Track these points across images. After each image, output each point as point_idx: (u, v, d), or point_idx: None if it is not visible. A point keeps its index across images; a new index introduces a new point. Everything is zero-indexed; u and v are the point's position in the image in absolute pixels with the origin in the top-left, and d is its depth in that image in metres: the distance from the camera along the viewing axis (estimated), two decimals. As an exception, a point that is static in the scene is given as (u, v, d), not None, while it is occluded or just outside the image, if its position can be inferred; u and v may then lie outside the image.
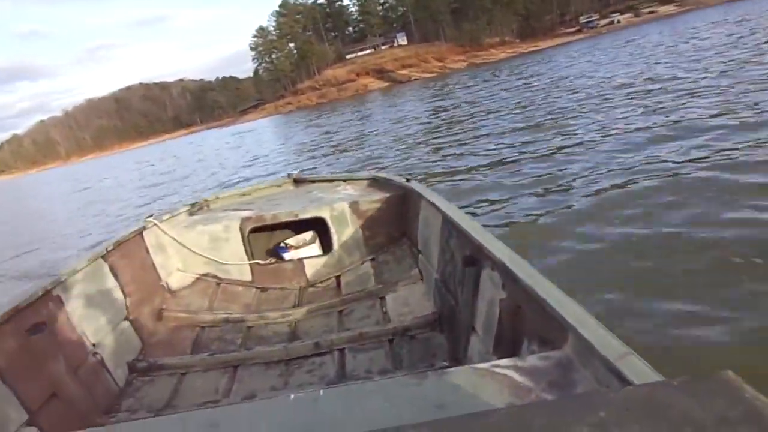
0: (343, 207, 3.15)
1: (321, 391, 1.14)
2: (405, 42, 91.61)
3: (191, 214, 3.51)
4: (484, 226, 1.97)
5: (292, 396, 1.12)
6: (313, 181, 4.02)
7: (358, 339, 2.32)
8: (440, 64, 79.08)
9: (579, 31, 79.97)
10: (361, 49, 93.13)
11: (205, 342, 2.59)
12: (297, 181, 4.07)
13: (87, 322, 2.22)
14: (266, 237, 3.40)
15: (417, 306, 2.49)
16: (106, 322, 2.33)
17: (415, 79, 70.48)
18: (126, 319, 2.49)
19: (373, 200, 3.16)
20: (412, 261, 2.87)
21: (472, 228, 1.88)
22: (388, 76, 79.55)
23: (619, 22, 76.67)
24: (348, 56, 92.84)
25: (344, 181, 3.80)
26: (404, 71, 78.48)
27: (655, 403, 0.67)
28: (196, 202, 3.69)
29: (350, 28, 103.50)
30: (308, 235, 3.32)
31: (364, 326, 2.46)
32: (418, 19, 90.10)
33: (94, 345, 2.19)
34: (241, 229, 3.18)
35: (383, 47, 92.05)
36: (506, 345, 1.50)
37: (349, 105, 45.18)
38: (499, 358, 1.33)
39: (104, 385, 2.14)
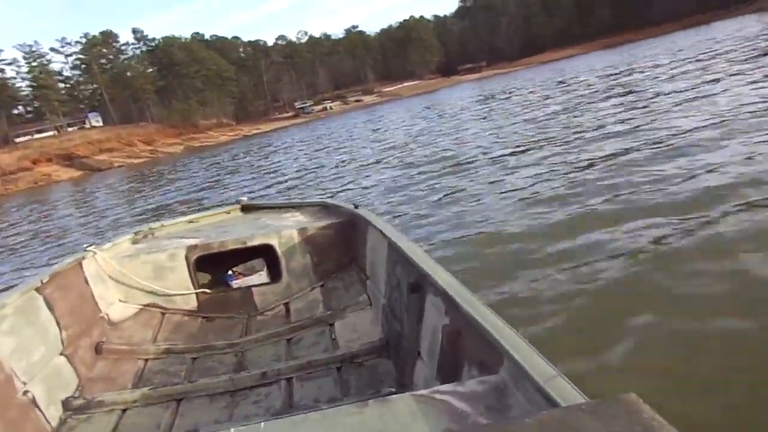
0: (291, 234, 3.11)
1: (262, 424, 1.12)
2: (100, 123, 77.16)
3: (135, 242, 3.37)
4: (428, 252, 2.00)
5: (232, 430, 1.10)
6: (262, 208, 3.97)
7: (306, 367, 2.28)
8: (150, 147, 68.32)
9: (296, 116, 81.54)
10: (39, 131, 74.11)
11: (148, 375, 2.48)
12: (245, 208, 3.97)
13: (17, 358, 2.05)
14: (213, 265, 3.18)
15: (365, 332, 2.47)
16: (38, 358, 2.17)
17: (120, 166, 58.20)
18: (61, 354, 2.32)
19: (321, 227, 3.13)
20: (360, 287, 2.84)
21: (417, 255, 1.91)
22: (81, 162, 63.59)
23: (331, 108, 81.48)
24: (18, 139, 72.50)
25: (293, 207, 3.78)
26: (103, 156, 64.42)
27: (566, 427, 0.73)
28: (140, 231, 3.53)
29: (20, 107, 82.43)
30: (256, 262, 3.22)
31: (313, 354, 2.43)
32: (115, 99, 77.58)
33: (24, 383, 2.04)
34: (187, 258, 3.06)
35: (70, 129, 75.41)
36: (448, 370, 1.51)
37: (17, 200, 33.84)
38: (442, 383, 1.43)
39: (36, 426, 1.98)
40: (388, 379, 2.10)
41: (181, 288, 3.07)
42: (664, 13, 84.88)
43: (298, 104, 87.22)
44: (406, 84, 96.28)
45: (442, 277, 1.64)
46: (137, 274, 2.97)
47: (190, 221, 3.82)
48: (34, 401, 2.04)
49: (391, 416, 1.10)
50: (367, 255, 2.78)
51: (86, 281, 2.77)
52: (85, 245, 2.99)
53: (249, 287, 3.17)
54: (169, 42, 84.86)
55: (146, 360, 2.61)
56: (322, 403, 2.05)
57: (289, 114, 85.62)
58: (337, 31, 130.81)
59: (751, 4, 66.20)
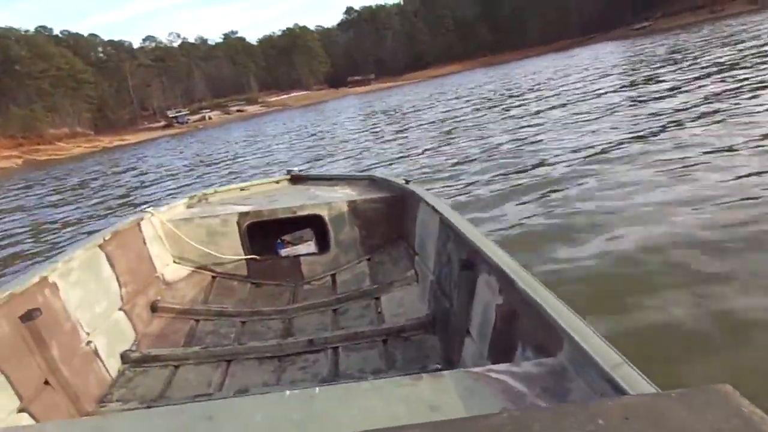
0: (341, 206, 3.12)
1: (317, 388, 1.14)
2: None
3: (189, 206, 3.43)
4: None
5: (288, 392, 1.12)
6: (312, 179, 3.96)
7: (352, 338, 2.29)
8: (-23, 161, 56.37)
9: (169, 126, 73.37)
10: None
11: (199, 335, 2.54)
12: (295, 179, 3.97)
13: (82, 310, 2.15)
14: (263, 233, 3.20)
15: (412, 307, 2.48)
16: (100, 312, 2.27)
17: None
18: (121, 309, 2.42)
19: (371, 200, 3.14)
20: (408, 262, 2.82)
21: (470, 232, 1.89)
22: None
23: (210, 118, 74.49)
24: None
25: (343, 180, 3.75)
26: None
27: (653, 414, 0.68)
28: (195, 195, 3.60)
29: None
30: (305, 232, 3.25)
31: (359, 326, 2.44)
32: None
33: (88, 334, 2.12)
34: (239, 224, 3.11)
35: None
36: (501, 350, 1.49)
37: None
38: (493, 363, 1.39)
39: (97, 375, 2.09)
40: (433, 355, 2.08)
41: (232, 253, 3.08)
42: (536, 38, 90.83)
43: (171, 113, 78.78)
44: (293, 94, 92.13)
45: (497, 254, 1.59)
46: (191, 237, 3.00)
47: (242, 189, 3.81)
48: (96, 352, 2.11)
49: (445, 390, 1.08)
50: (417, 230, 2.72)
51: (144, 241, 2.81)
52: (143, 206, 3.15)
53: (297, 256, 3.18)
54: (5, 34, 71.85)
55: (197, 320, 2.64)
56: (367, 373, 2.05)
57: (161, 124, 77.01)
58: (214, 36, 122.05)
59: (605, 33, 73.26)
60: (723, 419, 0.66)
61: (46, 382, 1.83)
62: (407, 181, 3.06)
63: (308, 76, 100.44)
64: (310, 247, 3.22)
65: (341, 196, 3.27)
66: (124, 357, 2.25)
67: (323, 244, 3.20)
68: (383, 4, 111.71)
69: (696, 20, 56.19)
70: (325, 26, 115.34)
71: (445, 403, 1.04)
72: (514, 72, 35.38)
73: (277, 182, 3.97)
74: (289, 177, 4.00)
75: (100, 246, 2.43)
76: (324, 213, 3.12)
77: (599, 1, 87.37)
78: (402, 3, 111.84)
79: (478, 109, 15.41)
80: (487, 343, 1.59)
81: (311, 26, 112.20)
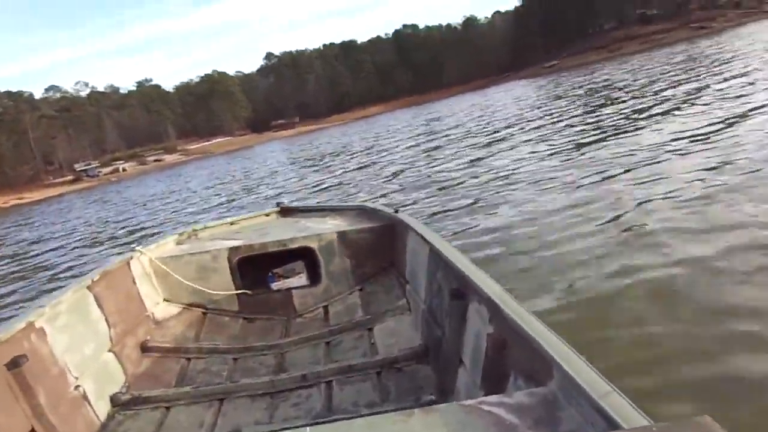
0: (331, 237, 3.10)
1: (308, 429, 1.10)
2: None
3: (179, 243, 3.41)
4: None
5: None
6: (301, 211, 3.98)
7: (345, 371, 2.27)
8: None
9: (78, 180, 67.91)
10: None
11: (191, 374, 2.51)
12: (285, 211, 4.00)
13: (70, 354, 2.11)
14: (254, 267, 3.17)
15: (405, 337, 2.46)
16: (89, 354, 2.23)
17: None
18: (110, 350, 2.38)
19: (361, 230, 3.12)
20: (399, 291, 2.83)
21: (459, 261, 1.89)
22: None
23: (125, 170, 69.73)
24: None
25: (332, 210, 3.79)
26: None
27: None
28: (185, 231, 3.58)
29: None
30: (296, 265, 3.24)
31: (352, 358, 2.43)
32: None
33: (76, 378, 2.09)
34: (229, 259, 3.09)
35: None
36: (493, 379, 1.48)
37: None
38: (486, 393, 1.43)
39: (86, 420, 2.03)
40: (428, 386, 2.06)
41: (223, 288, 3.06)
42: (454, 78, 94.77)
43: (79, 166, 73.13)
44: (214, 141, 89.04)
45: (486, 283, 1.60)
46: (181, 274, 2.96)
47: (232, 223, 3.81)
48: (84, 396, 2.07)
49: (437, 426, 1.06)
50: (407, 260, 2.73)
51: (133, 280, 2.79)
52: (133, 246, 3.07)
53: (289, 289, 3.17)
54: None
55: (189, 359, 2.61)
56: (361, 407, 2.02)
57: (69, 178, 71.19)
58: (127, 85, 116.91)
59: (518, 72, 77.88)
60: None
61: (33, 431, 1.78)
62: (396, 210, 3.08)
63: (230, 121, 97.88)
64: (301, 279, 3.20)
65: (331, 227, 3.25)
66: (113, 400, 2.20)
67: (314, 276, 3.17)
68: (303, 49, 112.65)
69: (597, 58, 60.91)
70: (245, 72, 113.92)
71: None
72: (436, 111, 36.36)
73: (267, 215, 3.96)
74: (278, 209, 3.99)
75: (88, 287, 2.40)
76: (314, 245, 3.10)
77: (512, 42, 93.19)
78: (322, 48, 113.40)
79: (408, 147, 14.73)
80: (480, 373, 1.58)
81: (230, 72, 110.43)
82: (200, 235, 3.59)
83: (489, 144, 11.71)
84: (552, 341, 1.19)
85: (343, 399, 2.12)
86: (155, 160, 75.38)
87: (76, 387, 2.06)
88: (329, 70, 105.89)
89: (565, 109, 15.28)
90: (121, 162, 73.92)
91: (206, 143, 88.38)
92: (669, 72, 19.25)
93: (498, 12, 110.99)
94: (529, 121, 14.51)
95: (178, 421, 2.10)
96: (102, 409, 2.12)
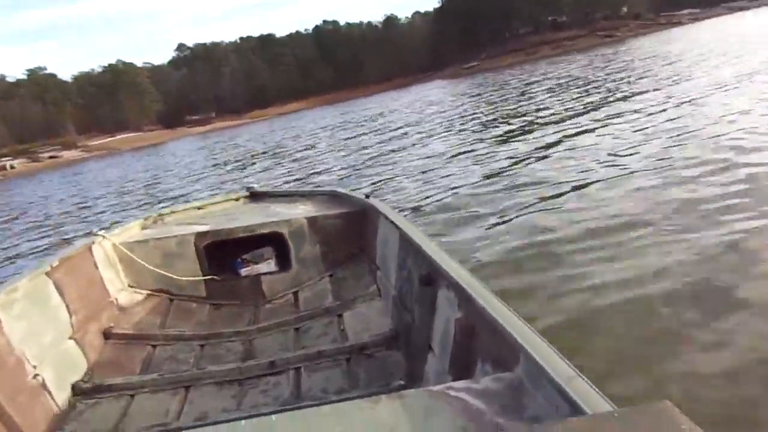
0: (301, 222, 3.07)
1: (274, 417, 1.11)
2: None
3: (144, 228, 3.33)
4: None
5: (243, 422, 1.09)
6: (271, 196, 3.92)
7: (314, 357, 2.25)
8: None
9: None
10: None
11: (156, 361, 2.45)
12: (254, 196, 3.92)
13: (27, 342, 2.05)
14: (222, 252, 3.12)
15: (374, 323, 2.43)
16: (48, 343, 2.16)
17: None
18: (71, 338, 2.30)
19: (331, 216, 3.09)
20: (370, 278, 2.81)
21: (429, 247, 1.88)
22: None
23: (13, 167, 62.06)
24: None
25: (303, 195, 3.74)
26: None
27: None
28: (150, 216, 3.50)
29: None
30: (265, 250, 3.17)
31: (321, 344, 2.40)
32: None
33: (34, 367, 2.03)
34: (196, 244, 3.02)
35: None
36: (461, 365, 1.49)
37: None
38: (454, 378, 1.44)
39: (46, 410, 1.98)
40: (397, 372, 2.05)
41: (190, 274, 3.00)
42: (376, 76, 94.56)
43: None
44: (121, 136, 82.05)
45: (455, 270, 1.60)
46: (146, 260, 2.89)
47: (199, 207, 3.74)
48: (44, 385, 2.02)
49: (404, 412, 1.07)
50: (378, 246, 2.71)
51: (95, 266, 2.71)
52: (94, 230, 2.98)
53: (258, 275, 3.11)
54: None
55: (155, 346, 2.55)
56: (330, 394, 2.01)
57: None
58: (15, 73, 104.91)
59: (439, 72, 79.20)
60: None
61: None
62: (368, 196, 3.03)
63: (138, 116, 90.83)
64: (270, 265, 3.13)
65: (301, 212, 3.19)
66: (75, 388, 2.14)
67: (284, 262, 3.13)
68: (218, 41, 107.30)
69: (514, 61, 63.18)
70: (155, 63, 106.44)
71: (404, 425, 1.03)
72: (360, 109, 36.08)
73: (236, 199, 3.87)
74: (247, 194, 3.89)
75: (47, 274, 2.32)
76: (284, 230, 3.06)
77: (432, 43, 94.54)
78: (238, 41, 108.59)
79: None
80: (448, 358, 1.59)
81: (138, 63, 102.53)
82: (166, 219, 3.48)
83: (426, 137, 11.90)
84: (519, 327, 1.20)
85: (311, 386, 2.09)
86: (50, 157, 67.82)
87: (35, 376, 1.99)
88: (246, 63, 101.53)
89: (488, 108, 16.12)
90: (8, 159, 65.82)
91: (111, 139, 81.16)
92: (584, 75, 20.69)
93: (418, 12, 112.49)
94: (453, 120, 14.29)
95: (143, 408, 2.04)
96: (63, 398, 2.06)
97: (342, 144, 15.87)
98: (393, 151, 11.81)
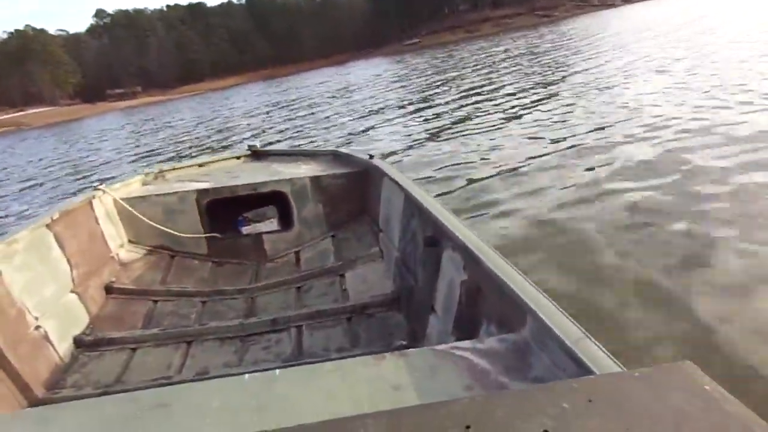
0: (304, 182, 3.06)
1: (277, 370, 1.10)
2: None
3: (145, 183, 3.30)
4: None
5: (247, 376, 1.09)
6: (273, 155, 3.87)
7: (315, 316, 2.27)
8: None
9: None
10: None
11: (158, 317, 2.44)
12: (257, 154, 3.84)
13: (28, 294, 2.06)
14: (224, 210, 3.08)
15: (376, 284, 2.45)
16: (50, 295, 2.17)
17: None
18: (72, 291, 2.32)
19: (334, 176, 3.07)
20: (372, 239, 2.78)
21: (435, 208, 1.87)
22: None
23: None
24: None
25: (306, 155, 3.71)
26: None
27: (617, 396, 0.69)
28: (150, 172, 3.44)
29: None
30: (268, 209, 3.16)
31: (323, 303, 2.42)
32: None
33: (36, 318, 2.04)
34: (198, 201, 3.01)
35: None
36: (465, 326, 1.49)
37: None
38: (457, 339, 1.41)
39: (48, 361, 2.00)
40: (398, 332, 2.04)
41: (191, 231, 2.98)
42: (313, 51, 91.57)
43: None
44: (32, 111, 74.74)
45: (461, 231, 1.59)
46: (147, 216, 2.88)
47: (201, 165, 3.70)
48: (46, 336, 2.04)
49: (408, 369, 1.07)
50: (381, 206, 2.69)
51: (96, 220, 2.71)
52: (95, 184, 2.96)
53: (260, 234, 3.09)
54: None
55: (156, 301, 2.56)
56: (331, 352, 2.02)
57: None
58: None
59: (379, 48, 77.85)
60: (686, 399, 0.66)
61: None
62: (371, 156, 2.98)
63: (52, 88, 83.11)
64: (272, 224, 3.13)
65: (304, 171, 3.18)
66: (77, 341, 2.14)
67: (286, 221, 3.12)
68: (141, 8, 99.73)
69: (455, 38, 62.92)
70: (71, 31, 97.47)
71: (408, 382, 1.02)
72: (299, 85, 34.49)
73: (238, 158, 3.82)
74: (250, 152, 3.85)
75: (47, 226, 2.31)
76: (286, 189, 3.04)
77: (369, 17, 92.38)
78: (165, 9, 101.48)
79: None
80: (452, 320, 1.59)
81: (51, 30, 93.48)
82: (167, 176, 3.45)
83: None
84: (525, 288, 1.19)
85: (313, 343, 2.10)
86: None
87: (37, 327, 2.00)
88: (175, 34, 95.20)
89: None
90: None
91: (20, 114, 73.79)
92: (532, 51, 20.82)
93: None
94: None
95: (145, 362, 2.06)
96: (65, 350, 2.07)
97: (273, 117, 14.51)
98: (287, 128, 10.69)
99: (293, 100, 22.37)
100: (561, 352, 0.98)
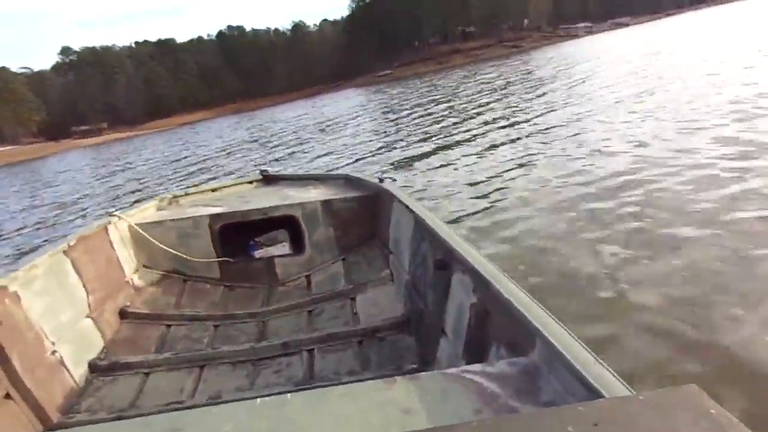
0: (315, 206, 3.09)
1: (288, 394, 1.11)
2: None
3: (159, 209, 3.37)
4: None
5: (258, 400, 1.09)
6: (285, 179, 3.94)
7: (327, 339, 2.28)
8: None
9: None
10: None
11: (171, 341, 2.47)
12: (268, 179, 3.93)
13: (46, 319, 2.08)
14: (236, 235, 3.15)
15: (387, 307, 2.46)
16: (66, 320, 2.20)
17: None
18: (88, 316, 2.36)
19: (345, 199, 3.11)
20: (383, 262, 2.81)
21: (444, 231, 1.89)
22: None
23: None
24: None
25: (316, 179, 3.75)
26: None
27: (623, 420, 0.69)
28: (164, 197, 3.52)
29: None
30: (279, 233, 3.23)
31: (334, 327, 2.43)
32: None
33: (53, 343, 2.07)
34: (211, 226, 3.05)
35: None
36: (475, 349, 1.49)
37: None
38: (467, 363, 1.44)
39: (63, 385, 2.02)
40: (409, 356, 2.05)
41: (204, 256, 3.02)
42: (285, 84, 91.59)
43: None
44: (-9, 151, 71.74)
45: (471, 254, 1.61)
46: (161, 241, 2.92)
47: (213, 190, 3.77)
48: (62, 361, 2.05)
49: (419, 393, 1.07)
50: (391, 230, 2.71)
51: (112, 246, 2.75)
52: (110, 210, 3.05)
53: (271, 258, 3.13)
54: None
55: (169, 326, 2.57)
56: (342, 375, 2.02)
57: None
58: None
59: (351, 80, 78.32)
60: (691, 423, 0.66)
61: (7, 396, 1.77)
62: (381, 180, 3.01)
63: (14, 126, 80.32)
64: (284, 248, 3.16)
65: (315, 195, 3.21)
66: (92, 366, 2.17)
67: (298, 245, 3.14)
68: (109, 45, 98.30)
69: (427, 70, 63.71)
70: (35, 69, 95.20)
71: (418, 407, 1.02)
72: (270, 119, 34.20)
73: (250, 182, 3.90)
74: (261, 177, 3.91)
75: (64, 252, 2.35)
76: (298, 213, 3.06)
77: (341, 50, 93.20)
78: (134, 46, 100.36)
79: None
80: (462, 343, 1.58)
81: (13, 68, 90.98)
82: (181, 201, 3.50)
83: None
84: (535, 311, 1.19)
85: (324, 367, 2.10)
86: None
87: (53, 352, 2.02)
88: (143, 69, 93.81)
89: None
90: None
91: (-21, 154, 70.74)
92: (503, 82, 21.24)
93: (326, 20, 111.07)
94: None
95: (158, 386, 2.07)
96: (80, 374, 2.09)
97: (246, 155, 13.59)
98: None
99: (270, 136, 21.49)
100: (570, 376, 0.98)
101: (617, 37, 44.88)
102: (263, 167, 4.17)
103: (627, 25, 72.97)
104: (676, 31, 34.27)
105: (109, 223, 2.79)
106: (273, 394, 1.13)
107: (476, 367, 1.16)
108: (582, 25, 75.97)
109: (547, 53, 43.21)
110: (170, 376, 2.13)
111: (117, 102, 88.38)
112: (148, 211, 3.22)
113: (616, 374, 0.93)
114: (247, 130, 28.27)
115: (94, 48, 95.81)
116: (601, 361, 0.97)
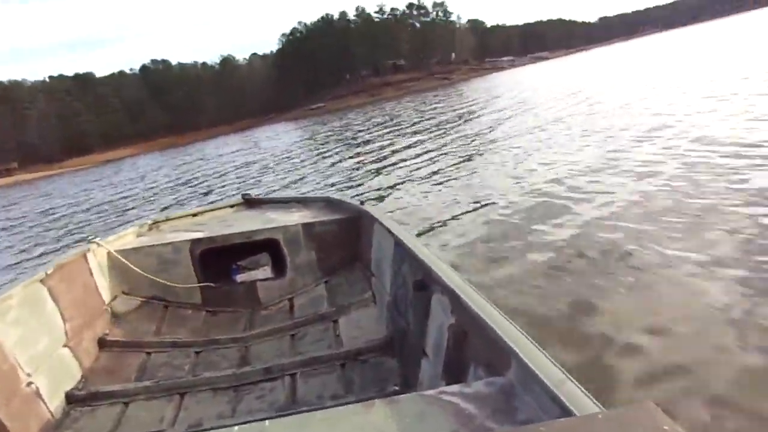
0: (296, 229, 3.09)
1: (267, 422, 1.10)
2: None
3: (139, 235, 3.35)
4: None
5: (237, 428, 1.07)
6: (266, 203, 3.97)
7: (309, 363, 2.27)
8: None
9: None
10: None
11: (151, 369, 2.44)
12: (250, 203, 3.97)
13: (21, 349, 2.04)
14: (218, 259, 3.11)
15: (370, 329, 2.46)
16: (42, 350, 2.15)
17: None
18: (65, 345, 2.30)
19: (326, 222, 3.12)
20: (365, 284, 2.82)
21: (423, 253, 1.93)
22: None
23: None
24: None
25: (298, 202, 3.79)
26: None
27: None
28: (145, 223, 3.52)
29: None
30: (261, 257, 3.20)
31: (317, 350, 2.42)
32: None
33: (28, 375, 2.02)
34: (192, 251, 3.02)
35: None
36: (454, 370, 1.52)
37: None
38: (447, 383, 1.47)
39: (39, 418, 1.97)
40: (392, 377, 2.07)
41: (185, 281, 3.00)
42: (214, 118, 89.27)
43: None
44: None
45: (449, 275, 1.63)
46: (141, 267, 2.90)
47: (194, 215, 3.78)
48: (37, 392, 2.03)
49: (397, 416, 1.08)
50: (373, 252, 2.72)
51: (90, 273, 2.72)
52: (89, 237, 2.97)
53: (253, 282, 3.13)
54: None
55: (149, 353, 2.54)
56: (325, 399, 2.03)
57: None
58: None
59: (282, 113, 77.66)
60: None
61: None
62: (362, 202, 3.07)
63: None
64: (266, 271, 3.15)
65: (296, 218, 3.21)
66: (69, 396, 2.13)
67: (279, 268, 3.14)
68: (19, 80, 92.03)
69: (360, 102, 64.24)
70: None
71: (396, 430, 1.04)
72: (200, 155, 32.33)
73: (232, 206, 3.91)
74: (242, 201, 3.94)
75: (41, 281, 2.33)
76: (279, 237, 3.06)
77: (272, 83, 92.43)
78: (47, 80, 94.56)
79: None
80: (442, 363, 1.60)
81: None
82: (162, 227, 3.50)
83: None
84: (510, 331, 1.21)
85: (307, 391, 2.10)
86: None
87: (29, 384, 1.99)
88: (60, 105, 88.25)
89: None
90: None
91: None
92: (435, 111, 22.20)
93: (256, 54, 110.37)
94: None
95: (138, 416, 2.05)
96: (57, 405, 2.06)
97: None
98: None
99: (202, 176, 20.20)
100: (544, 395, 1.01)
101: (538, 69, 47.68)
102: (245, 192, 4.13)
103: (547, 58, 78.31)
104: (587, 64, 37.61)
105: (88, 250, 2.75)
106: (254, 421, 1.12)
107: (454, 388, 1.17)
108: (506, 58, 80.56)
109: (474, 84, 44.93)
110: (150, 405, 2.09)
111: (31, 139, 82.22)
112: (127, 237, 3.20)
113: (586, 392, 0.96)
114: (170, 170, 26.55)
115: (1, 82, 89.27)
116: (573, 379, 1.00)
